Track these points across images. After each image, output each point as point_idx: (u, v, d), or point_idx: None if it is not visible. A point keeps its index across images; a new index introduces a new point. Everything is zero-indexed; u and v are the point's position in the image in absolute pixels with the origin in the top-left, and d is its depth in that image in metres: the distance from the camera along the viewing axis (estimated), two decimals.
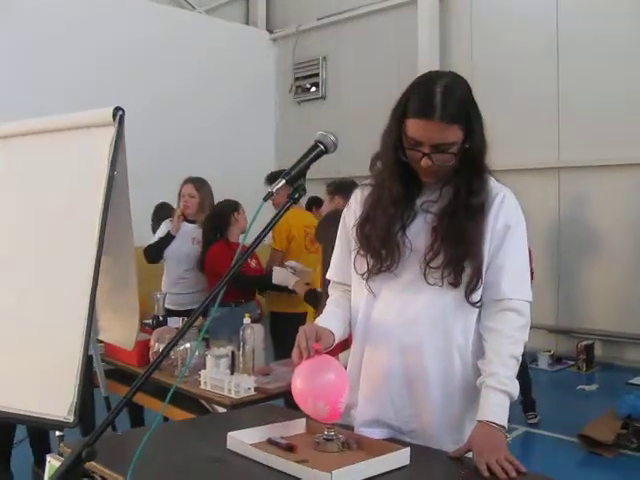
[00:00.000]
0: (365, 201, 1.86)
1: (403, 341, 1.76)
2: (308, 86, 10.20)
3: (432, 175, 1.73)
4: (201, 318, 3.93)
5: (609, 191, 6.99)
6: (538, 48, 7.41)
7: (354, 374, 1.86)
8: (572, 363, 7.02)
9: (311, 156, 1.51)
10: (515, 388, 1.69)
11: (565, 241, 7.25)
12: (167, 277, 4.70)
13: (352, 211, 1.91)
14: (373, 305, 1.82)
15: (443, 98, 1.64)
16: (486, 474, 1.50)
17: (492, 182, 1.79)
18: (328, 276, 2.02)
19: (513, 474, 1.50)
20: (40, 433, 3.67)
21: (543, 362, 6.88)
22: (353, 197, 1.94)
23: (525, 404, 5.07)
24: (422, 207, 1.78)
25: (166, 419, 3.83)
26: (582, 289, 7.30)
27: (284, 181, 1.47)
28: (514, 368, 1.71)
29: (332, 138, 1.54)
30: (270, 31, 10.72)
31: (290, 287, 4.03)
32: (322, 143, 1.53)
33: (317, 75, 10.02)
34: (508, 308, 1.74)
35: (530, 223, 1.86)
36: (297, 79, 10.29)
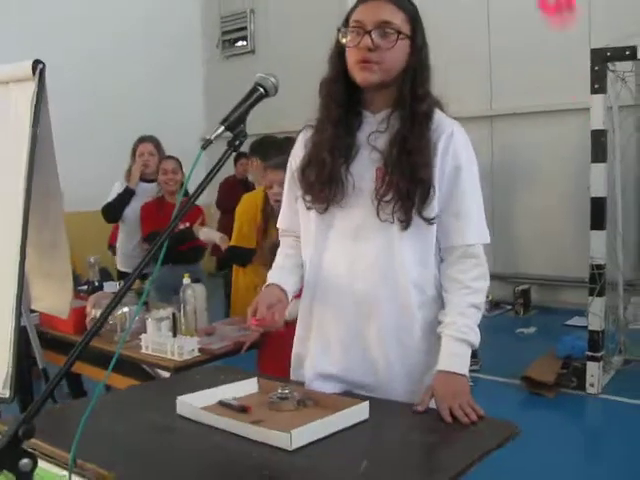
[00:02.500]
0: (308, 141, 1.78)
1: (356, 290, 1.70)
2: (236, 40, 9.92)
3: (370, 69, 1.62)
4: (138, 281, 3.82)
5: (540, 137, 7.05)
6: None
7: (305, 322, 1.81)
8: (510, 308, 7.16)
9: (251, 100, 1.40)
10: (476, 336, 1.66)
11: (498, 188, 7.31)
12: (124, 238, 4.55)
13: (297, 154, 1.82)
14: (322, 252, 1.75)
15: None
16: (449, 419, 1.48)
17: (439, 114, 1.70)
18: (278, 225, 1.95)
19: (474, 418, 1.49)
20: None
21: None
22: (299, 138, 1.85)
23: None
24: (369, 140, 1.68)
25: (108, 387, 3.73)
26: (517, 234, 7.42)
27: (222, 127, 1.36)
28: (474, 316, 1.67)
29: (273, 80, 1.43)
30: None
31: (217, 242, 3.96)
32: (262, 86, 1.42)
33: (245, 29, 9.75)
34: (467, 255, 1.69)
35: None
36: (224, 33, 9.99)
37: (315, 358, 1.77)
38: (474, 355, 5.22)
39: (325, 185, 1.68)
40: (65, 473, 1.22)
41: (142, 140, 4.50)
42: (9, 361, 2.20)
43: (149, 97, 8.86)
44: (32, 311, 3.19)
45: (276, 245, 1.97)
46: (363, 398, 1.54)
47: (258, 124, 6.93)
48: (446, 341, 1.64)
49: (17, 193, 2.28)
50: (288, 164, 1.87)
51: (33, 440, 1.30)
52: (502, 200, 7.28)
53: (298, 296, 1.89)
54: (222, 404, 1.55)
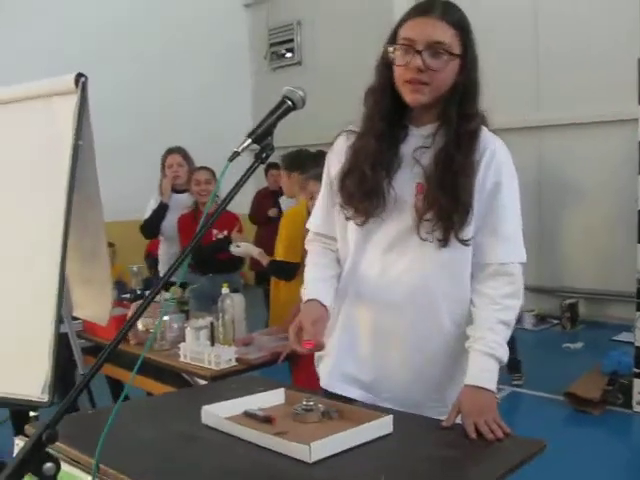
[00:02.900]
0: (348, 149, 1.76)
1: (385, 299, 1.71)
2: (283, 52, 10.02)
3: (421, 91, 1.61)
4: (180, 290, 3.88)
5: (589, 148, 6.93)
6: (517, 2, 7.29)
7: (331, 323, 1.80)
8: (556, 322, 7.05)
9: (278, 113, 1.41)
10: (504, 352, 1.64)
11: (546, 199, 7.21)
12: (165, 249, 4.65)
13: (336, 158, 1.80)
14: (359, 261, 1.75)
15: (443, 4, 1.61)
16: (473, 436, 1.47)
17: (483, 130, 1.69)
18: (310, 226, 1.91)
19: (500, 435, 1.46)
20: (20, 412, 3.61)
21: (527, 322, 6.89)
22: (338, 142, 1.83)
23: (510, 365, 5.04)
24: (414, 154, 1.67)
25: (150, 395, 3.78)
26: (564, 247, 7.29)
27: (250, 140, 1.38)
28: (503, 333, 1.65)
29: (300, 94, 1.44)
30: None
31: (255, 256, 3.86)
32: (290, 99, 1.43)
33: (292, 40, 9.85)
34: (500, 273, 1.69)
35: None
36: (272, 45, 10.12)
37: (336, 358, 1.78)
38: (518, 369, 5.17)
39: (365, 198, 1.67)
40: (90, 478, 1.25)
41: (170, 152, 4.58)
42: (48, 367, 2.25)
43: (197, 110, 9.02)
44: (75, 318, 3.26)
45: None
46: (388, 411, 1.54)
47: (303, 134, 6.98)
48: (474, 356, 1.63)
49: (58, 203, 2.33)
50: (325, 168, 1.86)
51: (61, 445, 1.34)
52: (549, 212, 7.17)
53: None
54: (247, 414, 1.56)
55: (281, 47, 10.03)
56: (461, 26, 1.62)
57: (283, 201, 6.27)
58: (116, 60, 8.05)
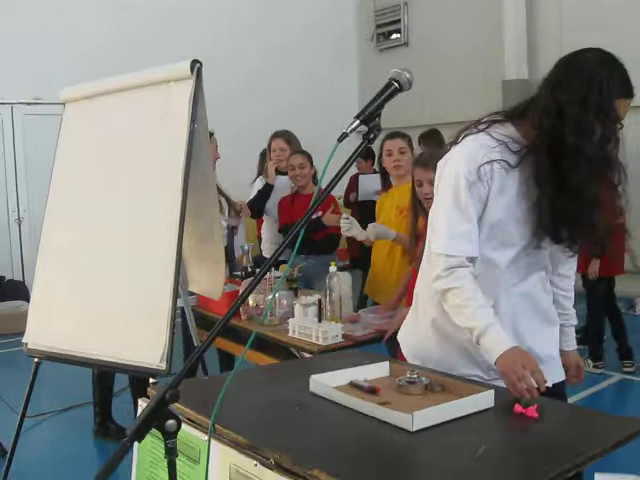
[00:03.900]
0: (502, 178, 1.73)
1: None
2: (390, 33, 9.96)
3: None
4: (290, 268, 3.98)
5: None
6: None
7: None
8: None
9: (385, 95, 1.45)
10: None
11: None
12: (268, 228, 4.82)
13: (484, 183, 1.72)
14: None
15: None
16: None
17: None
18: (466, 252, 1.74)
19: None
20: (140, 380, 3.84)
21: None
22: (486, 171, 1.72)
23: (621, 352, 4.90)
24: None
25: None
26: None
27: (358, 121, 1.43)
28: None
29: (407, 75, 1.47)
30: None
31: (391, 239, 3.43)
32: (396, 81, 1.46)
33: (399, 21, 9.77)
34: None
35: None
36: (378, 26, 10.07)
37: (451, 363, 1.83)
38: (629, 356, 4.96)
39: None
40: (205, 437, 1.34)
41: (274, 136, 4.73)
42: (166, 337, 2.40)
43: (304, 92, 9.14)
44: (191, 294, 3.43)
45: None
46: (492, 386, 1.56)
47: (414, 116, 6.91)
48: (572, 330, 2.06)
49: (176, 182, 2.47)
50: (462, 191, 1.73)
51: (179, 405, 1.44)
52: None
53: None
54: (353, 385, 1.62)
55: (387, 28, 9.97)
56: None
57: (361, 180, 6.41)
58: (230, 54, 8.33)
